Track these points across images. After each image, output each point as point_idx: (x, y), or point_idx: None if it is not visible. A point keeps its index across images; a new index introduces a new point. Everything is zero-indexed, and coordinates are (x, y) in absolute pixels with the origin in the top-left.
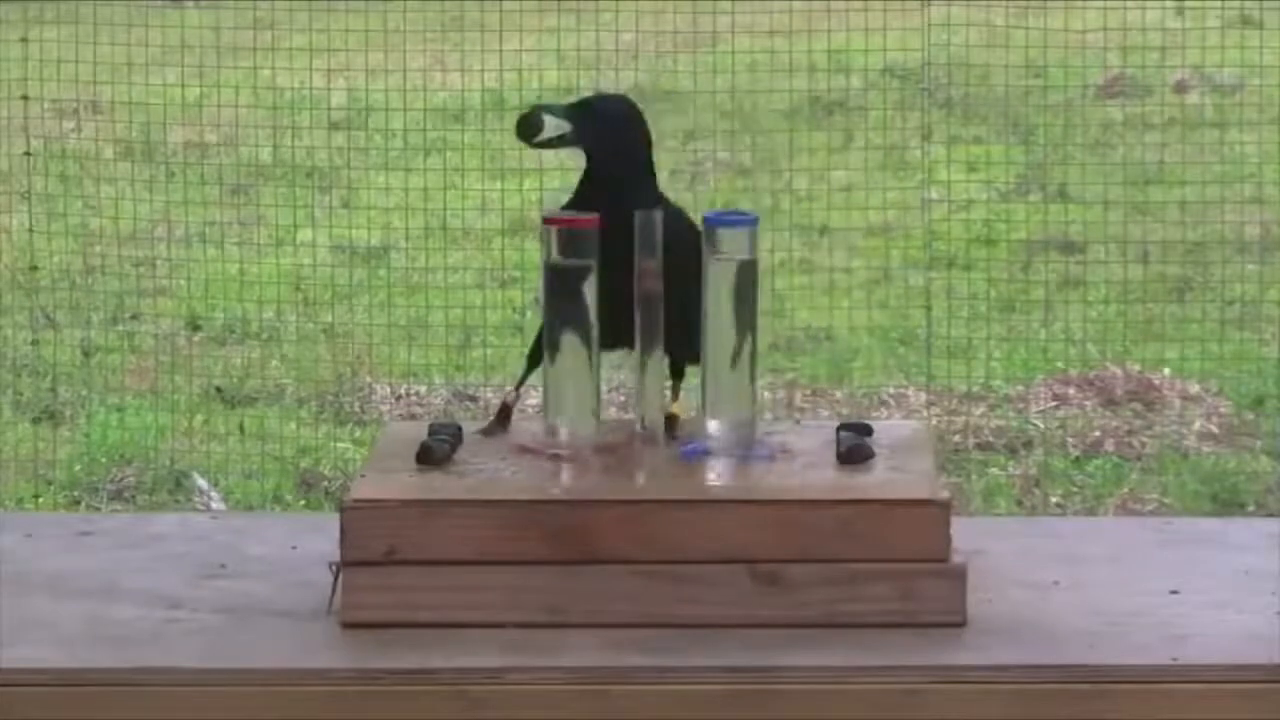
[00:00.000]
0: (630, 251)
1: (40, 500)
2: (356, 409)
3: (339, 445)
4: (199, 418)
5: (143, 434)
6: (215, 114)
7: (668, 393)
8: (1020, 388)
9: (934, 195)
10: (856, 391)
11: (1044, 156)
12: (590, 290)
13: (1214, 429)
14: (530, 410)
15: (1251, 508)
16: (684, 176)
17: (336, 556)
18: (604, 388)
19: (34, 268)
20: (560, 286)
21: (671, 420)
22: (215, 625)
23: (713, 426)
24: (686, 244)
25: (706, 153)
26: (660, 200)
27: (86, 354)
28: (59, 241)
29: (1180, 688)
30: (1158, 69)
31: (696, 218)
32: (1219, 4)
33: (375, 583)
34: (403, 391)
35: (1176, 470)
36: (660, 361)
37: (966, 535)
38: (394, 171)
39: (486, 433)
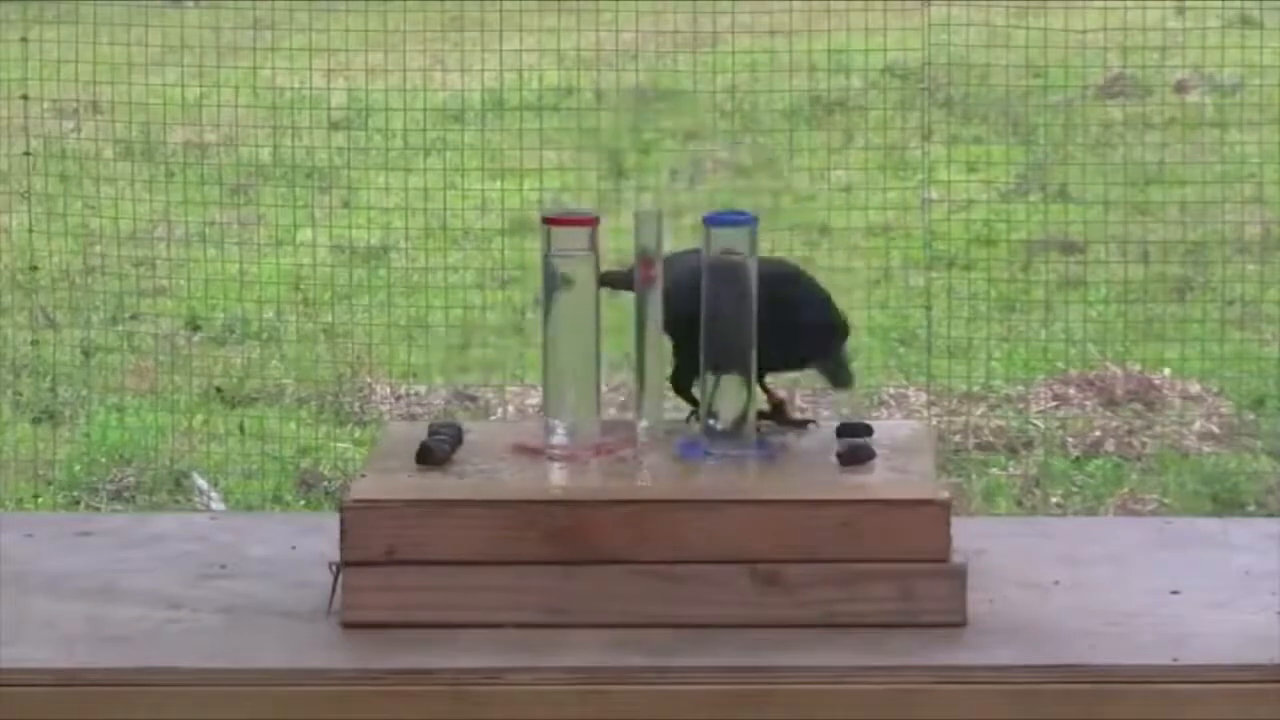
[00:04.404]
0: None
1: (40, 500)
2: (356, 409)
3: (339, 445)
4: (199, 418)
5: (143, 434)
6: (215, 114)
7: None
8: (1020, 388)
9: (934, 195)
10: (856, 391)
11: (1044, 156)
12: (592, 289)
13: (1214, 429)
14: (530, 410)
15: (1251, 508)
16: (684, 176)
17: (336, 556)
18: (604, 388)
19: (34, 268)
20: (560, 285)
21: (778, 407)
22: (215, 625)
23: (712, 426)
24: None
25: (706, 153)
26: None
27: (86, 354)
28: (59, 241)
29: (1180, 688)
30: (1158, 69)
31: (696, 218)
32: (1219, 4)
33: (375, 583)
34: (403, 391)
35: (1176, 470)
36: (659, 358)
37: (966, 535)
38: (394, 171)
39: None
